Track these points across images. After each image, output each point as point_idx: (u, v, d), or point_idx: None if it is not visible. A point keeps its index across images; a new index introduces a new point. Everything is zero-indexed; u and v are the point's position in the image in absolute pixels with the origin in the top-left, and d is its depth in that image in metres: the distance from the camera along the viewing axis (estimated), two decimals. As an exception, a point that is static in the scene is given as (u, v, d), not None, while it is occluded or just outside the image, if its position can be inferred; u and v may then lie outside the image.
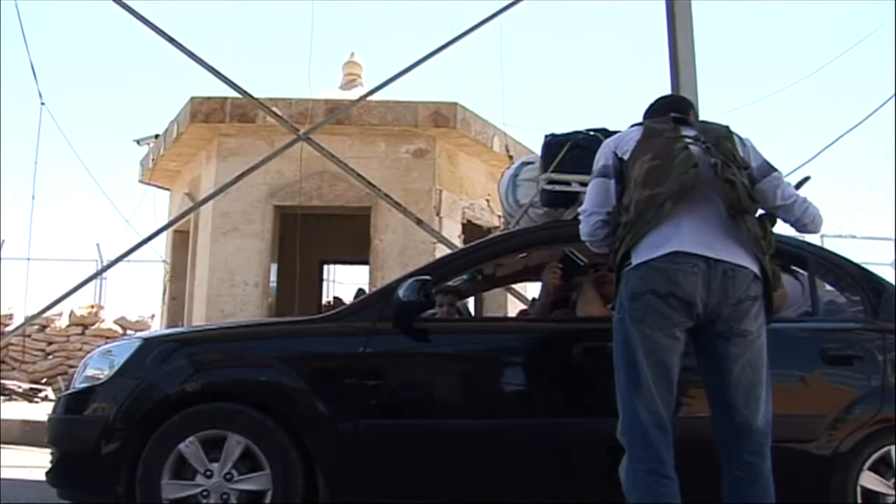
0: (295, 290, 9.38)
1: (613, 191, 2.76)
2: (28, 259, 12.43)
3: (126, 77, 33.01)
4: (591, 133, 3.79)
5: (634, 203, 2.59)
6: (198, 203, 8.88)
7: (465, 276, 4.11)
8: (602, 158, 2.84)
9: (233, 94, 8.34)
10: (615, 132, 3.70)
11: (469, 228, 10.04)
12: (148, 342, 3.46)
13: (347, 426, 3.17)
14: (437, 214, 9.29)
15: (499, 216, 10.62)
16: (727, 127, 2.85)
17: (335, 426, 3.18)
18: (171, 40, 7.73)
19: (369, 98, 8.78)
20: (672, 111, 2.86)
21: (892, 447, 3.23)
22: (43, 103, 9.72)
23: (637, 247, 2.57)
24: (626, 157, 2.74)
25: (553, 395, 3.37)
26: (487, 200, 10.37)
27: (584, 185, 3.62)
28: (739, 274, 2.51)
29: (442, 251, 8.82)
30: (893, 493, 3.18)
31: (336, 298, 13.51)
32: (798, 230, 3.01)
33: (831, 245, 15.87)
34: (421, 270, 3.49)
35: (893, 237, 14.15)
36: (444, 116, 9.22)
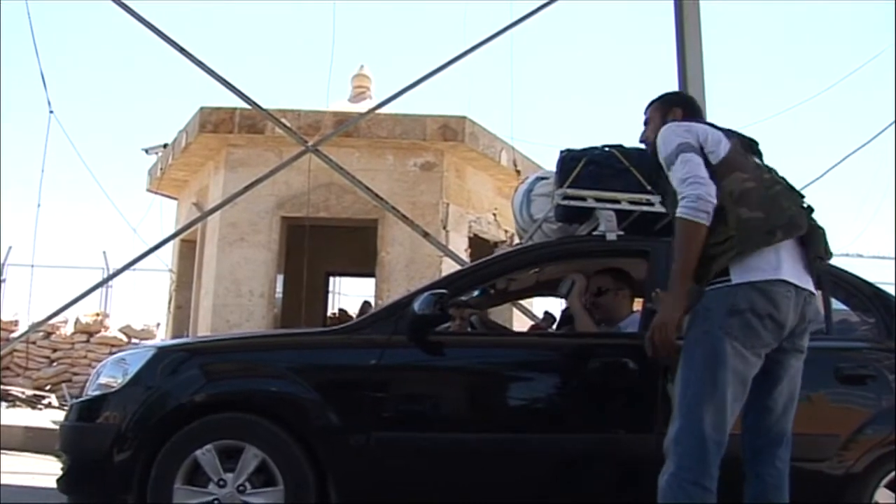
0: (301, 301, 9.37)
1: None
2: (33, 266, 12.48)
3: (135, 86, 33.15)
4: (607, 149, 3.81)
5: (738, 220, 2.59)
6: (205, 213, 8.90)
7: (476, 291, 4.12)
8: (687, 137, 2.73)
9: (242, 104, 8.38)
10: (632, 149, 3.72)
11: (475, 242, 10.04)
12: (161, 351, 3.46)
13: (360, 438, 3.17)
14: (444, 228, 9.31)
15: (505, 230, 10.65)
16: None
17: (348, 438, 3.18)
18: (181, 50, 7.77)
19: (378, 111, 8.81)
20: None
21: None
22: (52, 111, 9.75)
23: (739, 265, 2.59)
24: (712, 159, 2.70)
25: (565, 410, 3.38)
26: (494, 214, 10.38)
27: (600, 200, 3.66)
28: (813, 300, 2.69)
29: (448, 265, 8.83)
30: None
31: (341, 310, 13.51)
32: None
33: (838, 264, 15.91)
34: (436, 284, 3.49)
35: (894, 257, 14.16)
36: (452, 130, 9.25)
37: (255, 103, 8.04)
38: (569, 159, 3.80)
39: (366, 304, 12.43)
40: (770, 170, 2.82)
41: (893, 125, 8.99)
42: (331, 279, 13.53)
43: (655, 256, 3.43)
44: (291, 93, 32.83)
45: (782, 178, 2.80)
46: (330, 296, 13.79)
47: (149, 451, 3.14)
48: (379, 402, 3.23)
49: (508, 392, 3.50)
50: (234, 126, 9.28)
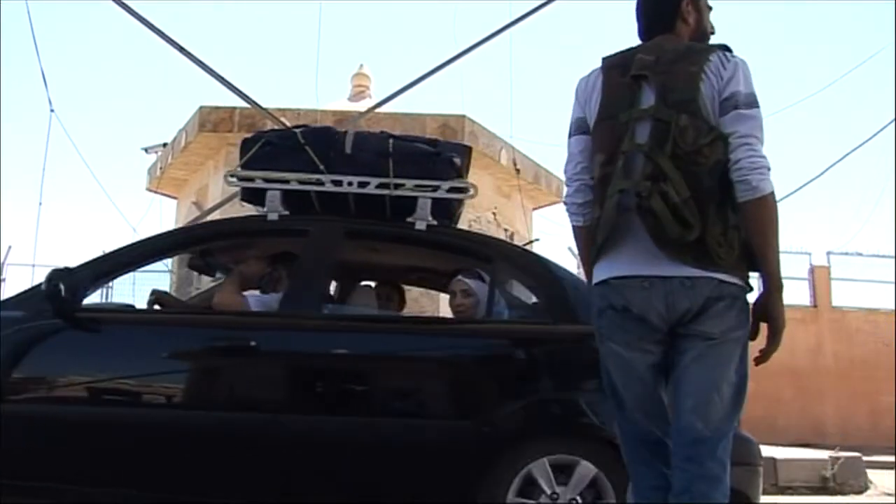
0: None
1: None
2: (34, 265, 12.46)
3: (135, 85, 33.19)
4: (292, 131, 3.88)
5: None
6: (205, 212, 8.89)
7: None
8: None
9: (241, 103, 8.37)
10: (315, 128, 3.90)
11: (475, 241, 10.03)
12: None
13: None
14: (444, 227, 9.28)
15: (505, 229, 10.65)
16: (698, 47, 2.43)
17: None
18: (181, 49, 7.77)
19: (377, 110, 8.80)
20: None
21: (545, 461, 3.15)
22: (52, 110, 9.73)
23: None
24: None
25: (197, 390, 3.49)
26: (494, 213, 10.38)
27: (269, 180, 3.71)
28: (693, 283, 2.27)
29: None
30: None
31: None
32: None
33: (838, 263, 15.92)
34: (83, 264, 3.52)
35: (894, 256, 14.15)
36: (451, 129, 9.24)
37: (254, 102, 8.03)
38: (249, 140, 3.85)
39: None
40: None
41: (893, 123, 9.01)
42: (331, 278, 13.49)
43: (315, 236, 3.62)
44: (291, 92, 32.83)
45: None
46: (330, 295, 13.75)
47: None
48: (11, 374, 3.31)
49: (140, 367, 3.45)
50: (233, 125, 9.28)
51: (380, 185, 3.63)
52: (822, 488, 6.93)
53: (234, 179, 3.80)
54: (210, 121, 9.32)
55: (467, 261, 3.87)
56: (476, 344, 3.53)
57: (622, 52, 2.49)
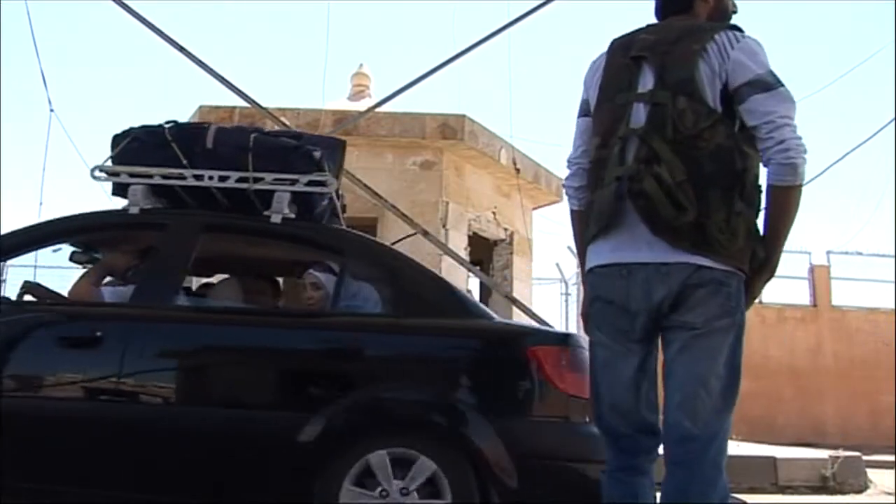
0: (300, 299, 9.35)
1: None
2: (35, 266, 12.42)
3: (135, 85, 33.17)
4: (156, 127, 3.89)
5: None
6: (205, 211, 8.88)
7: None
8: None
9: (241, 103, 8.37)
10: (182, 125, 3.91)
11: (475, 240, 10.04)
12: None
13: None
14: (444, 226, 9.30)
15: (505, 228, 10.65)
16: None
17: None
18: (180, 49, 7.77)
19: (377, 109, 8.81)
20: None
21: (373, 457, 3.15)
22: (52, 110, 9.74)
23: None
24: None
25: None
26: (493, 213, 10.37)
27: (134, 176, 3.76)
28: (673, 269, 2.22)
29: (448, 263, 8.83)
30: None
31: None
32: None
33: (838, 262, 15.91)
34: None
35: (894, 255, 14.15)
36: (451, 128, 9.24)
37: (254, 101, 8.04)
38: (117, 136, 3.89)
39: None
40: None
41: (894, 122, 9.00)
42: (331, 278, 13.49)
43: (172, 229, 3.71)
44: (290, 92, 32.85)
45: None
46: (330, 294, 13.75)
47: None
48: None
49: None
50: (233, 124, 9.27)
51: (239, 180, 3.68)
52: (822, 487, 6.92)
53: (103, 174, 3.85)
54: (210, 120, 9.31)
55: (321, 254, 3.97)
56: (318, 336, 3.55)
57: (629, 33, 2.43)
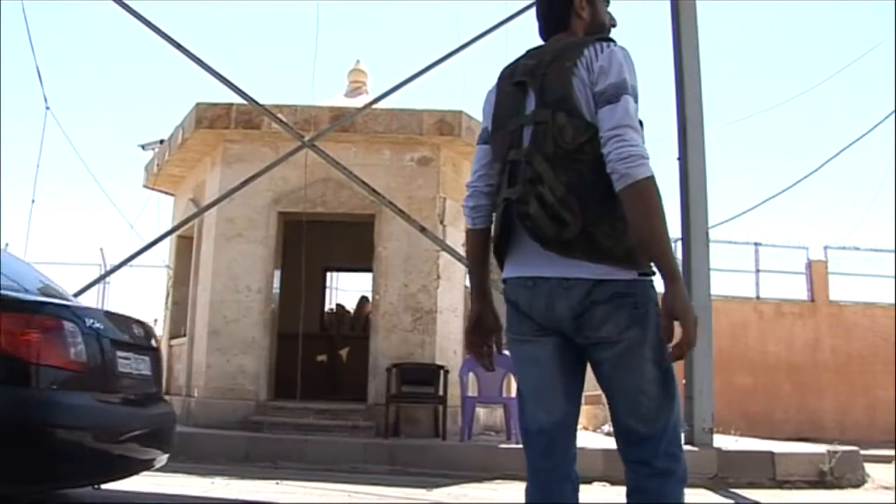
0: (298, 296, 9.36)
1: None
2: (31, 264, 12.42)
3: (132, 82, 33.10)
4: None
5: None
6: (202, 208, 8.90)
7: None
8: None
9: (238, 100, 8.39)
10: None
11: (472, 237, 10.01)
12: None
13: None
14: (441, 222, 9.30)
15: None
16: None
17: None
18: (177, 46, 7.78)
19: (374, 106, 8.81)
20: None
21: None
22: (48, 107, 9.74)
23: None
24: None
25: None
26: (491, 209, 10.37)
27: None
28: (576, 284, 2.28)
29: (446, 259, 8.85)
30: None
31: (339, 306, 13.51)
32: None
33: (835, 257, 15.94)
34: None
35: (894, 249, 14.17)
36: (448, 124, 9.24)
37: (251, 98, 8.05)
38: None
39: (363, 299, 12.43)
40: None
41: (893, 116, 9.01)
42: (328, 274, 13.51)
43: None
44: (287, 88, 32.80)
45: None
46: (327, 291, 13.77)
47: None
48: None
49: None
50: (230, 122, 9.27)
51: None
52: (820, 482, 6.94)
53: None
54: (207, 117, 9.31)
55: None
56: None
57: (514, 61, 2.52)
